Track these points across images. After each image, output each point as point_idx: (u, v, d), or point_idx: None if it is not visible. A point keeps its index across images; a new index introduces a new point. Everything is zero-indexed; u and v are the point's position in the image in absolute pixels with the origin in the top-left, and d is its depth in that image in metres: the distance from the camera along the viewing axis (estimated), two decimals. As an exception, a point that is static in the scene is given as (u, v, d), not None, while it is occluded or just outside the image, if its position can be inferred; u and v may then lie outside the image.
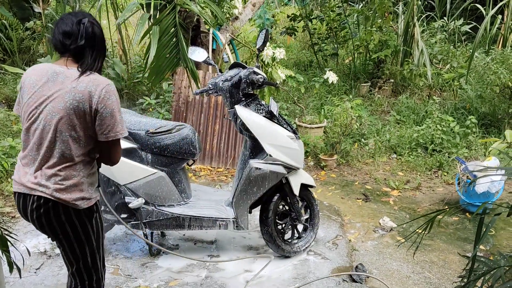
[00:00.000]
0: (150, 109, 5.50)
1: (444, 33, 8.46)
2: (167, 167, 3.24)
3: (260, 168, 3.14)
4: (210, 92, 3.33)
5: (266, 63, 5.34)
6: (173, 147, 3.19)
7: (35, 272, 3.24)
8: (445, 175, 5.21)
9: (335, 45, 8.85)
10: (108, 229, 3.55)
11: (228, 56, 5.54)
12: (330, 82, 5.96)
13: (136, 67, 7.58)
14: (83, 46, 1.96)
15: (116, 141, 2.07)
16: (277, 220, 3.38)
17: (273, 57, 5.17)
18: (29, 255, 2.80)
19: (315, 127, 5.80)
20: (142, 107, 5.62)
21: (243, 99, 3.18)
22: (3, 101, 6.80)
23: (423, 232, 2.00)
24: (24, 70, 6.95)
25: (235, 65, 3.36)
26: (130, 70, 7.39)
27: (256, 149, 3.21)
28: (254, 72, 3.12)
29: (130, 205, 3.15)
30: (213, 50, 5.57)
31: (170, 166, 3.24)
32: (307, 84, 7.37)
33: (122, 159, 3.11)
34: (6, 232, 2.04)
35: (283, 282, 3.15)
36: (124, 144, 3.14)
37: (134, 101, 6.55)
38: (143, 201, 3.19)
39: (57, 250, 3.51)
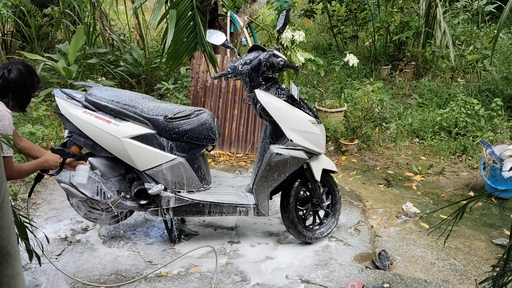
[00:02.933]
0: (168, 94, 5.45)
1: (467, 13, 8.19)
2: (186, 153, 3.19)
3: (280, 154, 3.07)
4: (229, 76, 3.26)
5: (285, 46, 5.24)
6: (192, 132, 3.14)
7: (56, 258, 3.25)
8: (469, 160, 5.07)
9: (355, 27, 8.66)
10: (127, 216, 3.54)
11: (246, 39, 5.46)
12: (350, 65, 5.82)
13: (154, 52, 7.53)
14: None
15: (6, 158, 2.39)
16: (298, 206, 3.32)
17: (292, 40, 5.06)
18: (48, 242, 2.80)
19: (335, 111, 5.69)
20: (160, 92, 5.59)
21: (263, 83, 3.10)
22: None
23: (452, 219, 1.92)
24: (43, 56, 6.98)
25: (254, 48, 3.27)
26: (148, 55, 7.34)
27: (276, 134, 3.14)
28: (274, 55, 3.03)
29: (149, 191, 3.12)
30: (231, 33, 5.48)
31: (189, 152, 3.19)
32: (326, 67, 7.23)
33: (141, 145, 3.08)
34: (25, 219, 2.02)
35: (304, 268, 3.10)
36: (143, 130, 3.10)
37: (152, 87, 6.52)
38: (163, 187, 3.16)
39: (78, 236, 3.53)
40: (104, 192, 3.12)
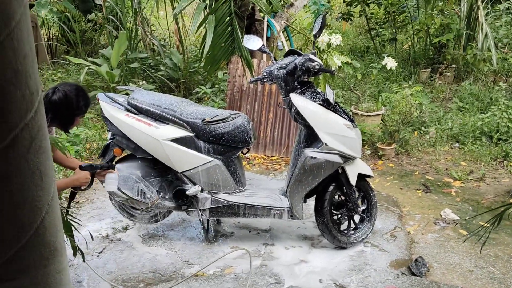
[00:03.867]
0: (206, 98, 5.56)
1: (510, 15, 7.95)
2: (223, 156, 3.26)
3: (315, 157, 3.10)
4: (264, 80, 3.31)
5: (321, 49, 5.25)
6: (228, 135, 3.20)
7: (98, 256, 3.37)
8: (511, 166, 4.93)
9: (394, 30, 8.56)
10: (166, 216, 3.64)
11: (283, 44, 5.50)
12: (388, 68, 5.77)
13: (192, 57, 7.69)
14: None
15: None
16: (333, 211, 3.33)
17: (329, 44, 5.07)
18: (92, 239, 2.93)
19: (372, 115, 5.65)
20: (198, 96, 5.70)
21: (298, 87, 3.13)
22: (68, 91, 7.11)
23: (490, 226, 1.90)
24: (87, 60, 7.25)
25: (290, 52, 3.32)
26: (187, 60, 7.51)
27: (311, 138, 3.17)
28: (310, 59, 3.07)
29: (187, 192, 3.21)
30: (267, 38, 5.54)
31: (225, 155, 3.27)
32: (363, 70, 7.18)
33: (180, 147, 3.18)
34: (70, 217, 2.13)
35: (338, 273, 3.11)
36: (181, 133, 3.19)
37: (191, 90, 6.66)
38: (200, 188, 3.24)
39: (119, 235, 3.65)
40: (144, 193, 3.23)
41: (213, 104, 5.29)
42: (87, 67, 6.68)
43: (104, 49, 7.58)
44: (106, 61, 7.10)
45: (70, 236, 1.54)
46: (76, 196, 4.23)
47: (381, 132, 5.45)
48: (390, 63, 5.66)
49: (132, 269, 3.22)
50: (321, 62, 3.07)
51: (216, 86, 5.59)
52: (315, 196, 3.36)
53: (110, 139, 3.36)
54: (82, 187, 2.92)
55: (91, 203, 4.18)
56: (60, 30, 9.47)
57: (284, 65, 3.17)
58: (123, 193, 3.22)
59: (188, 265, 3.26)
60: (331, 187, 3.27)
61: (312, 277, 3.07)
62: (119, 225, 3.79)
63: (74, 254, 2.03)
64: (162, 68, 7.11)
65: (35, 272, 1.16)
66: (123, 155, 3.42)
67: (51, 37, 9.55)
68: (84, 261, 1.76)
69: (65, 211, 2.45)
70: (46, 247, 1.16)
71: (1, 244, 1.12)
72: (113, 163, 3.29)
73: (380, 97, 6.15)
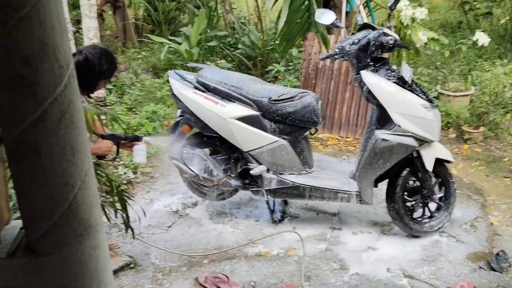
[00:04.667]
0: (280, 76, 5.46)
1: None
2: (289, 135, 3.16)
3: (386, 140, 2.90)
4: (336, 57, 3.14)
5: (405, 24, 4.91)
6: (294, 115, 3.10)
7: (167, 230, 3.45)
8: None
9: (489, 3, 7.81)
10: (233, 194, 3.63)
11: (363, 19, 5.21)
12: (480, 44, 5.27)
13: (270, 34, 7.59)
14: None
15: None
16: (406, 197, 3.12)
17: (413, 18, 4.71)
18: (144, 215, 3.06)
19: (460, 95, 5.22)
20: (272, 74, 5.61)
21: (371, 63, 2.93)
22: (150, 69, 7.35)
23: None
24: (169, 40, 7.42)
25: (364, 27, 3.11)
26: (265, 38, 7.43)
27: (383, 119, 2.97)
28: (384, 34, 2.85)
29: (251, 172, 3.17)
30: (346, 13, 5.28)
31: (292, 134, 3.16)
32: (453, 47, 6.65)
33: (245, 126, 3.13)
34: (125, 193, 2.16)
35: (409, 262, 2.92)
36: (247, 111, 3.14)
37: (267, 69, 6.60)
38: (265, 168, 3.18)
39: (188, 211, 3.71)
40: (211, 170, 3.24)
41: (287, 83, 5.18)
42: (167, 46, 6.83)
43: (185, 27, 7.72)
44: (187, 39, 7.22)
45: (124, 211, 1.55)
46: (151, 170, 4.38)
47: (469, 114, 5.02)
48: (482, 39, 5.16)
49: (198, 245, 3.26)
50: (396, 37, 2.84)
51: (290, 64, 5.45)
52: (387, 180, 3.17)
53: (179, 116, 3.40)
54: (107, 157, 2.89)
55: (164, 178, 4.29)
56: (146, 10, 9.79)
57: (356, 40, 2.98)
58: (190, 169, 3.25)
59: (252, 244, 3.23)
60: (405, 172, 3.05)
61: (380, 265, 2.91)
62: (189, 201, 3.85)
63: (126, 230, 2.06)
64: (240, 46, 7.10)
65: (69, 248, 1.15)
66: (191, 132, 3.44)
67: (137, 17, 9.90)
68: (134, 237, 1.77)
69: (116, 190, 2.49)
70: (79, 224, 1.15)
71: (35, 219, 1.13)
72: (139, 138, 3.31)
73: (470, 76, 5.66)
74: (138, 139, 2.97)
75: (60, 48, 1.03)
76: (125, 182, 4.05)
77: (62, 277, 1.18)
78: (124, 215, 1.66)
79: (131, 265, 3.03)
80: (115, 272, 2.97)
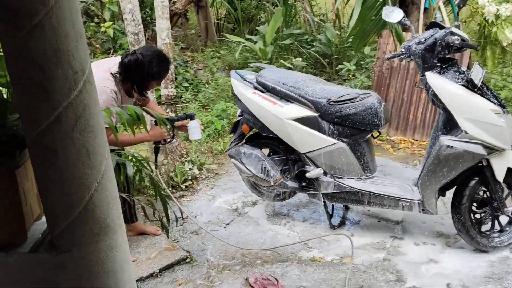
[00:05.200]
0: (350, 76, 5.30)
1: None
2: (349, 138, 3.05)
3: (452, 147, 2.70)
4: (402, 56, 2.97)
5: (490, 21, 4.55)
6: (355, 117, 2.98)
7: (225, 227, 3.50)
8: None
9: None
10: (291, 195, 3.59)
11: (442, 16, 4.91)
12: None
13: (348, 32, 7.40)
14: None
15: None
16: (474, 208, 2.89)
17: (497, 15, 4.34)
18: (182, 215, 3.34)
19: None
20: (341, 73, 5.46)
21: (438, 64, 2.74)
22: (226, 67, 7.48)
23: None
24: (245, 38, 7.50)
25: (432, 25, 2.91)
26: (343, 35, 7.25)
27: (450, 124, 2.76)
28: (451, 33, 2.65)
29: (307, 174, 3.11)
30: (425, 9, 4.99)
31: (351, 137, 3.05)
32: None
33: (303, 127, 3.07)
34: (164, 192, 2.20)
35: (472, 279, 2.71)
36: (305, 112, 3.08)
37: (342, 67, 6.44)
38: (322, 171, 3.10)
39: (247, 209, 3.73)
40: (267, 171, 3.22)
41: (357, 82, 5.01)
42: (242, 45, 6.91)
43: (261, 26, 7.75)
44: (262, 38, 7.25)
45: (165, 212, 1.58)
46: (216, 167, 4.45)
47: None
48: None
49: (253, 244, 3.26)
50: (465, 36, 2.63)
51: (362, 62, 5.27)
52: (454, 189, 2.95)
53: (239, 116, 3.41)
54: (165, 142, 3.01)
55: (228, 176, 4.35)
56: (228, 9, 9.99)
57: (422, 40, 2.80)
58: (248, 169, 3.26)
59: (307, 248, 3.17)
60: (473, 182, 2.82)
61: (439, 280, 2.73)
62: (249, 199, 3.87)
63: (162, 230, 2.10)
64: (316, 44, 7.00)
65: (87, 247, 1.19)
66: (251, 132, 3.45)
67: (219, 16, 10.13)
68: (168, 237, 1.80)
69: (164, 188, 2.55)
70: (96, 224, 1.19)
71: (55, 216, 1.18)
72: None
73: None
74: (191, 117, 3.04)
75: (75, 55, 1.06)
76: (190, 178, 4.16)
77: (80, 275, 1.22)
78: (164, 218, 1.69)
79: (187, 260, 3.10)
80: (171, 265, 3.07)
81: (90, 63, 1.14)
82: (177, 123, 3.04)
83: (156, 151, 3.11)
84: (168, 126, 2.87)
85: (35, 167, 1.14)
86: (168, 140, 3.03)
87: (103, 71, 2.75)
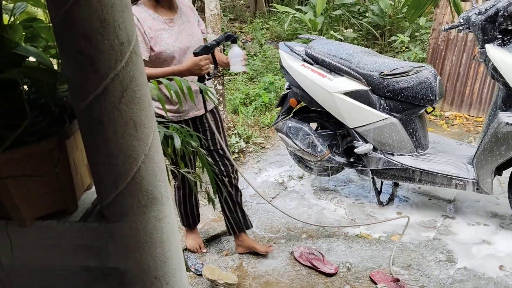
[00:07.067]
0: (404, 48, 5.09)
1: None
2: (400, 113, 2.94)
3: (511, 124, 2.54)
4: (461, 28, 2.81)
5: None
6: (408, 91, 2.86)
7: (270, 201, 3.49)
8: None
9: None
10: (339, 170, 3.53)
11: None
12: None
13: (402, 2, 7.09)
14: None
15: None
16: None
17: None
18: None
19: None
20: (394, 45, 5.25)
21: (499, 36, 2.56)
22: (275, 39, 7.38)
23: None
24: (295, 9, 7.35)
25: (495, -6, 2.71)
26: (396, 5, 6.96)
27: (509, 100, 2.59)
28: (517, 2, 2.46)
29: (356, 150, 3.03)
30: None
31: (403, 113, 2.94)
32: None
33: (352, 101, 2.98)
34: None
35: (528, 264, 2.58)
36: (355, 86, 2.98)
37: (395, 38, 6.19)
38: (371, 147, 3.02)
39: (292, 183, 3.71)
40: (315, 145, 3.18)
41: (411, 55, 4.81)
42: (291, 15, 6.78)
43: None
44: (313, 8, 7.08)
45: (217, 187, 1.57)
46: (262, 141, 4.43)
47: None
48: None
49: (298, 218, 3.24)
50: (532, 5, 2.43)
51: (417, 34, 5.04)
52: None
53: (287, 89, 3.36)
54: (208, 75, 2.37)
55: (275, 150, 4.34)
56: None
57: (483, 10, 2.62)
58: (295, 143, 3.23)
59: (353, 224, 3.13)
60: (533, 162, 2.66)
61: (491, 262, 2.62)
62: (295, 173, 3.84)
63: (208, 202, 2.10)
64: (368, 15, 6.76)
65: (134, 218, 1.21)
66: (298, 106, 3.39)
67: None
68: (214, 209, 1.80)
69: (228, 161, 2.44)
70: (144, 195, 1.20)
71: (104, 187, 1.20)
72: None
73: None
74: (232, 38, 2.40)
75: (121, 25, 1.05)
76: (237, 151, 4.17)
77: (128, 244, 1.24)
78: (211, 190, 1.68)
79: (233, 232, 3.13)
80: (218, 236, 3.11)
81: (136, 34, 1.13)
82: (217, 53, 2.46)
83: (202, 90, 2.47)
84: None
85: (83, 138, 1.16)
86: (211, 72, 2.40)
87: None
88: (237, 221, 2.82)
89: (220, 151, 2.62)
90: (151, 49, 2.30)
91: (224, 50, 5.14)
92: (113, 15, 1.03)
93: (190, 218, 2.93)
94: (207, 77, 2.34)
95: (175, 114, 2.47)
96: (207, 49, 2.27)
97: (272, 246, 2.93)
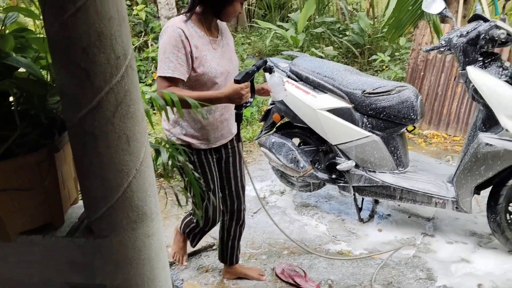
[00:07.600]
0: (384, 67, 5.18)
1: None
2: (382, 132, 2.98)
3: (491, 145, 2.60)
4: (442, 49, 2.88)
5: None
6: (390, 110, 2.91)
7: (252, 216, 3.48)
8: None
9: None
10: (321, 186, 3.54)
11: (482, 8, 4.73)
12: None
13: (382, 22, 7.24)
14: None
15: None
16: (510, 209, 2.79)
17: (543, 7, 4.17)
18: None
19: None
20: (374, 64, 5.34)
21: (480, 59, 2.64)
22: (256, 54, 7.43)
23: None
24: (277, 25, 7.42)
25: (476, 18, 2.80)
26: (376, 25, 7.11)
27: (490, 121, 2.66)
28: (496, 27, 2.53)
29: (338, 167, 3.06)
30: (465, 0, 4.83)
31: (385, 131, 2.98)
32: None
33: (335, 118, 3.01)
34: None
35: (505, 281, 2.63)
36: (338, 103, 3.02)
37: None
38: (353, 164, 3.05)
39: (274, 198, 3.70)
40: (297, 161, 3.19)
41: (391, 74, 4.90)
42: (273, 32, 6.84)
43: (293, 13, 7.66)
44: (294, 25, 7.17)
45: (198, 196, 1.55)
46: (244, 155, 4.42)
47: None
48: None
49: (279, 234, 3.21)
50: (510, 30, 2.51)
51: (397, 53, 5.15)
52: (490, 188, 2.86)
53: (271, 104, 3.38)
54: (246, 104, 2.18)
55: (257, 164, 4.33)
56: (259, -5, 9.89)
57: (465, 33, 2.69)
58: (277, 158, 3.23)
59: (335, 241, 3.14)
60: (511, 181, 2.73)
61: (470, 280, 2.66)
62: (277, 188, 3.84)
63: (194, 216, 2.08)
64: (348, 33, 6.88)
65: (124, 233, 1.19)
66: (281, 122, 3.41)
67: (250, 2, 10.04)
68: (200, 224, 1.78)
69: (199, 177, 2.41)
70: (134, 211, 1.18)
71: (93, 202, 1.17)
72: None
73: None
74: (267, 68, 2.27)
75: (118, 39, 1.04)
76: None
77: (116, 261, 1.21)
78: (199, 212, 1.65)
79: (214, 247, 3.10)
80: (198, 252, 3.07)
81: (132, 48, 1.12)
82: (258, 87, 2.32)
83: (239, 118, 2.28)
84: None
85: (75, 151, 1.14)
86: (249, 101, 2.18)
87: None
88: (235, 252, 2.73)
89: (239, 182, 2.61)
90: (193, 69, 2.09)
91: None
92: (110, 29, 1.03)
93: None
94: (244, 105, 2.19)
95: (202, 142, 2.29)
96: (248, 76, 2.10)
97: (265, 275, 2.80)
